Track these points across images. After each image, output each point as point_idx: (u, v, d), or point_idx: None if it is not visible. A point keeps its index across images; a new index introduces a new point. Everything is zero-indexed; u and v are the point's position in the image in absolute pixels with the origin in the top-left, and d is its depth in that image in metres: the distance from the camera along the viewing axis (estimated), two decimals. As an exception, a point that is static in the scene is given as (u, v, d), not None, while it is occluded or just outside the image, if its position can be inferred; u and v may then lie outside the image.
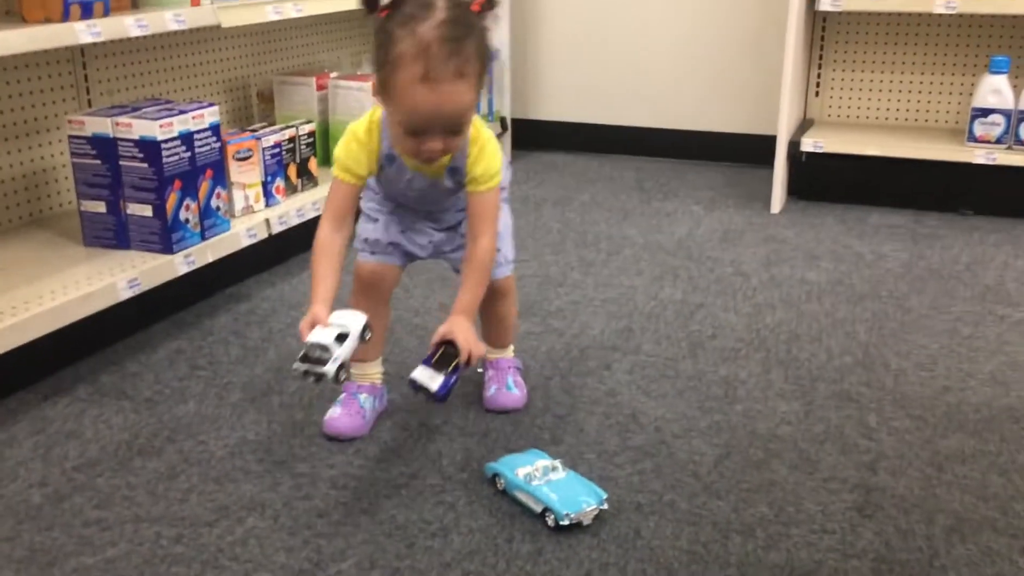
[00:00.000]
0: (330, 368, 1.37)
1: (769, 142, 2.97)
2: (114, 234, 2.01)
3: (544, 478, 1.42)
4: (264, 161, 2.31)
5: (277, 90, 2.68)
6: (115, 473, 1.51)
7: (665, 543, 1.35)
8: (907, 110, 3.16)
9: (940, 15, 3.01)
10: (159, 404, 1.74)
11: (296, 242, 2.45)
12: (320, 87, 2.66)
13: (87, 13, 1.85)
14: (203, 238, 2.06)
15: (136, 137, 1.91)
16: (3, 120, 2.09)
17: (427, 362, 1.45)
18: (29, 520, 1.39)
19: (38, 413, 1.70)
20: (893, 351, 1.97)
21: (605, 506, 1.40)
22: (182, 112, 1.97)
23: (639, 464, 1.55)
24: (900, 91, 3.15)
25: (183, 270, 2.00)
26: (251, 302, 2.22)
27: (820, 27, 3.15)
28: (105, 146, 1.94)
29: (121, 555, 1.31)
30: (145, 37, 2.39)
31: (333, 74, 2.69)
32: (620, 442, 1.62)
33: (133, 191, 1.96)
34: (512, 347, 1.79)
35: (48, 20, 1.80)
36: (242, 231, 2.17)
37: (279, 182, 2.37)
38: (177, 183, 1.97)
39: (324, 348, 1.39)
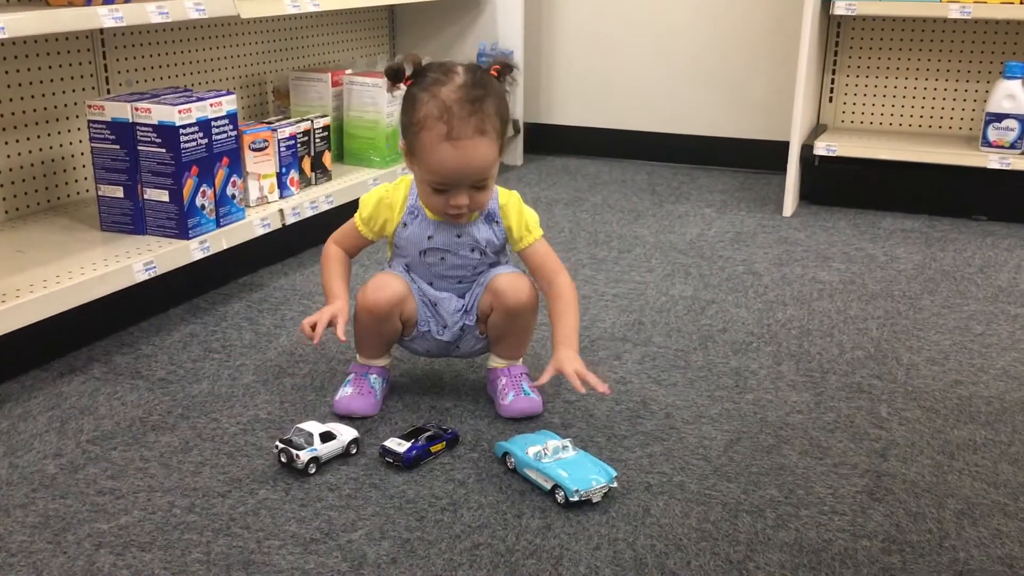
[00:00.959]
0: (304, 455, 1.43)
1: (782, 148, 2.98)
2: (131, 219, 2.03)
3: (554, 456, 1.43)
4: (279, 152, 2.33)
5: (292, 86, 2.70)
6: (129, 447, 1.52)
7: (674, 521, 1.35)
8: (921, 116, 3.17)
9: (955, 20, 3.02)
10: (173, 383, 1.75)
11: (309, 235, 2.47)
12: (335, 84, 2.68)
13: (109, -1, 1.88)
14: (218, 225, 2.08)
15: (155, 122, 1.94)
16: (23, 107, 2.12)
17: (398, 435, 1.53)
18: (43, 488, 1.40)
19: (53, 389, 1.72)
20: (905, 346, 1.97)
21: (615, 484, 1.40)
22: (200, 99, 1.99)
23: (649, 448, 1.55)
24: (914, 97, 3.16)
25: (198, 255, 2.01)
26: (264, 291, 2.23)
27: (835, 32, 3.17)
28: (124, 131, 1.97)
29: (134, 522, 1.32)
30: (164, 29, 2.43)
31: (348, 71, 2.72)
32: (630, 427, 1.62)
33: (151, 176, 1.98)
34: None
35: (71, 4, 1.83)
36: (256, 220, 2.19)
37: (293, 174, 2.39)
38: (194, 169, 1.99)
39: (308, 437, 1.45)
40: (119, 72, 2.32)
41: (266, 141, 2.27)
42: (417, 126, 1.49)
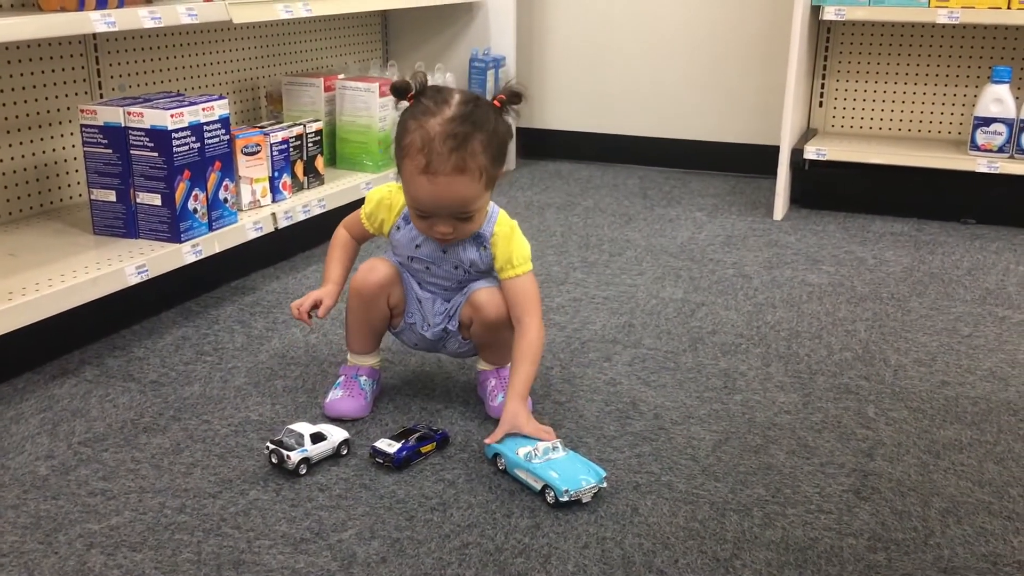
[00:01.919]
0: (294, 456, 1.44)
1: (772, 152, 3.00)
2: (123, 223, 2.03)
3: (544, 457, 1.44)
4: (272, 156, 2.34)
5: (285, 91, 2.71)
6: (120, 448, 1.53)
7: (662, 520, 1.36)
8: (910, 120, 3.19)
9: (943, 25, 3.04)
10: (164, 386, 1.76)
11: (301, 238, 2.48)
12: (328, 88, 2.70)
13: (102, 4, 1.89)
14: (210, 229, 2.09)
15: (147, 126, 1.95)
16: (16, 111, 2.12)
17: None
18: (35, 489, 1.41)
19: (45, 392, 1.72)
20: (893, 348, 1.99)
21: (604, 484, 1.42)
22: (193, 103, 2.00)
23: (637, 448, 1.56)
24: (903, 101, 3.18)
25: (190, 259, 2.02)
26: (256, 294, 2.24)
27: (824, 38, 3.19)
28: (116, 135, 1.97)
29: (125, 523, 1.33)
30: (157, 35, 2.44)
31: (340, 76, 2.73)
32: (619, 427, 1.63)
33: (143, 180, 1.99)
34: None
35: (63, 9, 1.84)
36: (249, 224, 2.20)
37: (286, 178, 2.40)
38: (186, 173, 2.00)
39: (299, 438, 1.46)
40: (112, 77, 2.33)
41: (258, 145, 2.28)
42: (402, 152, 1.50)
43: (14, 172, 2.14)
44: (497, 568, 1.25)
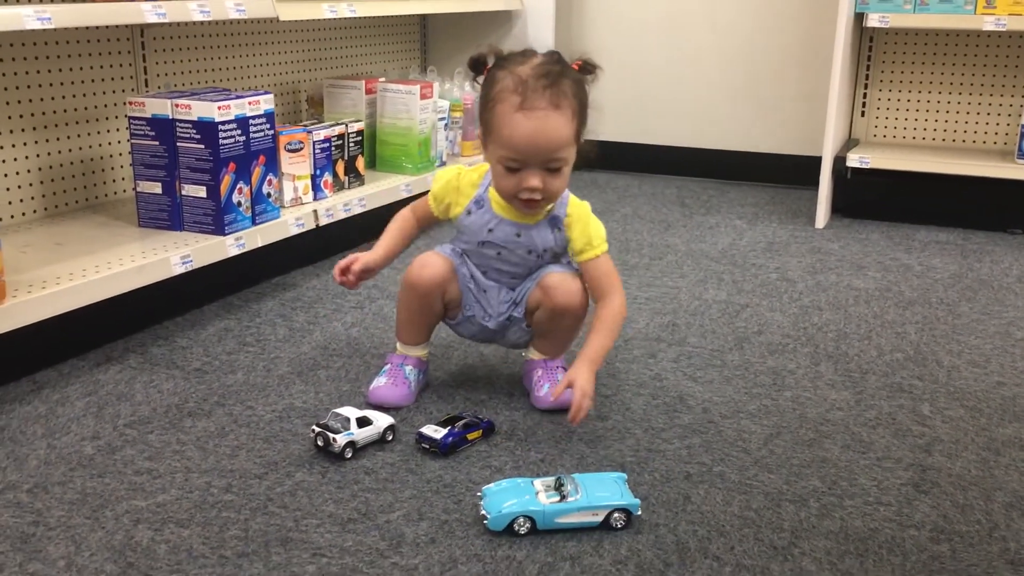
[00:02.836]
0: (340, 439, 1.43)
1: (811, 163, 2.97)
2: (168, 215, 2.04)
3: (572, 486, 1.27)
4: (314, 154, 2.34)
5: (327, 93, 2.72)
6: (165, 431, 1.52)
7: (716, 508, 1.33)
8: (955, 130, 3.15)
9: (989, 32, 3.01)
10: (208, 373, 1.75)
11: (342, 237, 2.48)
12: (369, 91, 2.70)
13: (152, -5, 1.91)
14: (254, 222, 2.09)
15: (195, 118, 1.95)
16: (64, 105, 2.14)
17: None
18: (81, 468, 1.40)
19: (90, 377, 1.72)
20: (945, 350, 1.95)
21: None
22: (239, 97, 2.01)
23: (687, 440, 1.53)
24: (948, 111, 3.14)
25: (234, 251, 2.02)
26: (297, 290, 2.23)
27: (867, 46, 3.16)
28: (163, 127, 1.98)
29: (172, 500, 1.31)
30: (201, 36, 2.46)
31: (381, 79, 2.74)
32: (667, 420, 1.60)
33: (189, 172, 1.99)
34: None
35: (115, -1, 1.86)
36: (291, 220, 2.19)
37: (327, 177, 2.40)
38: (232, 166, 2.00)
39: (345, 422, 1.45)
40: (158, 76, 2.35)
41: (301, 143, 2.29)
42: (493, 100, 1.49)
43: (60, 166, 2.16)
44: (549, 550, 1.22)
